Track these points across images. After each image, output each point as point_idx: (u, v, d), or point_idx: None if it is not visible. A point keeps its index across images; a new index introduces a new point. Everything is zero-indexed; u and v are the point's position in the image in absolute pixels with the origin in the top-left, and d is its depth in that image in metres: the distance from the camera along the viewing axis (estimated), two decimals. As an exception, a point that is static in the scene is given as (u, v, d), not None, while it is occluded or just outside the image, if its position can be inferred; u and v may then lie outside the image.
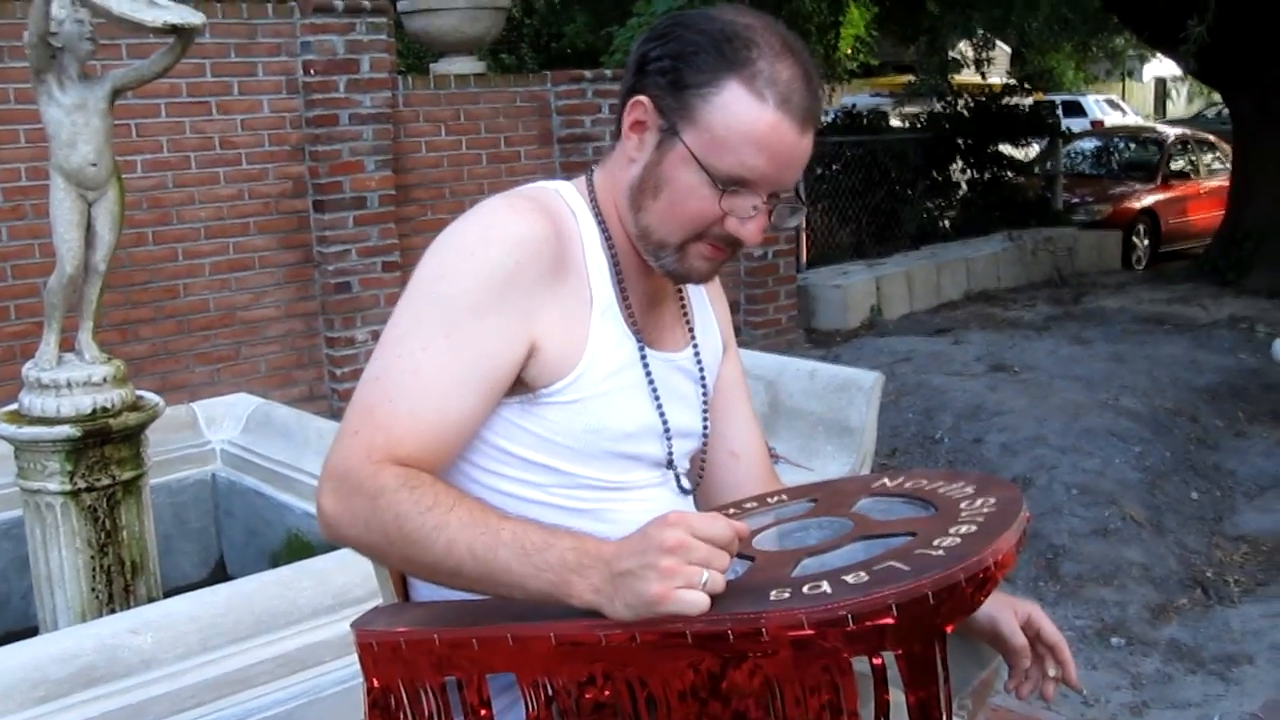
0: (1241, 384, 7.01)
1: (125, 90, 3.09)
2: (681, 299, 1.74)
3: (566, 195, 1.59)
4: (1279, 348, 5.87)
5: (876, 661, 1.19)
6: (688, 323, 1.73)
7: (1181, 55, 8.85)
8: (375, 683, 1.40)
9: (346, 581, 2.57)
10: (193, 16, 2.92)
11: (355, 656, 2.50)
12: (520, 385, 1.50)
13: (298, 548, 3.56)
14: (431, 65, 7.16)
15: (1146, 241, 13.17)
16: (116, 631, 2.32)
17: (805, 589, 1.23)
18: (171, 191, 5.64)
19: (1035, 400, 6.25)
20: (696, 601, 1.21)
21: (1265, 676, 3.87)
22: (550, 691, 1.30)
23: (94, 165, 3.00)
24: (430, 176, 6.45)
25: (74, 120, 2.97)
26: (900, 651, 1.19)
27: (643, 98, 1.52)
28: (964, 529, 1.33)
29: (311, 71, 5.92)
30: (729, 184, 1.48)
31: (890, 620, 1.17)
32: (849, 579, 1.23)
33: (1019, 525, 1.33)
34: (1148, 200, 13.30)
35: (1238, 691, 3.79)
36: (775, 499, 1.70)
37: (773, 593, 1.24)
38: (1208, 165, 14.27)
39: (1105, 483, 5.23)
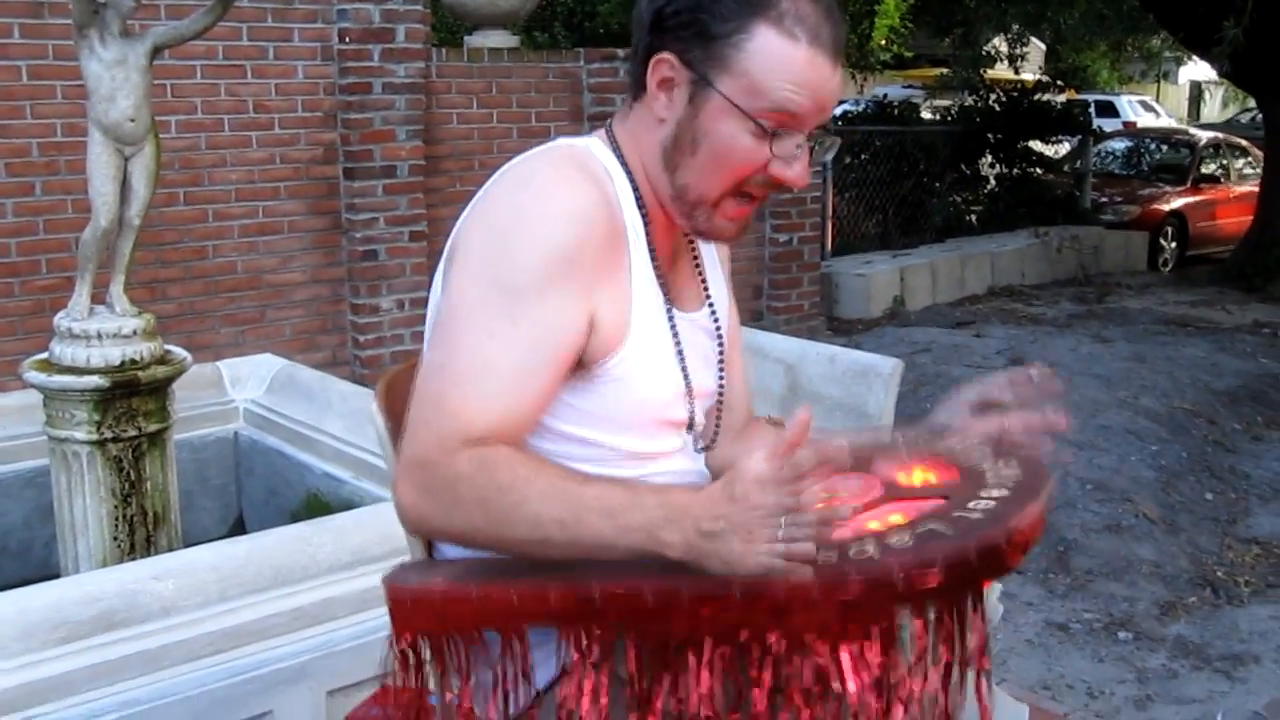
0: (1261, 388, 7.02)
1: (165, 48, 3.13)
2: (695, 255, 1.72)
3: (599, 153, 1.56)
4: (1300, 353, 5.87)
5: (919, 620, 1.27)
6: (703, 279, 1.72)
7: (1216, 58, 8.83)
8: (406, 636, 1.43)
9: (364, 540, 2.61)
10: (234, -23, 2.96)
11: (371, 612, 2.57)
12: (576, 362, 1.48)
13: (317, 507, 3.60)
14: (465, 38, 7.17)
15: (1174, 244, 13.14)
16: (139, 577, 2.37)
17: (851, 552, 1.27)
18: (204, 153, 5.69)
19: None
20: (777, 563, 1.24)
21: (1271, 676, 3.89)
22: (586, 642, 1.34)
23: (132, 120, 3.05)
24: (461, 148, 6.47)
25: (114, 75, 3.01)
26: (943, 610, 1.26)
27: (667, 54, 1.49)
28: (996, 492, 1.40)
29: (346, 39, 5.95)
30: (775, 127, 1.46)
31: (937, 581, 1.23)
32: (892, 541, 1.28)
33: (1048, 491, 1.40)
34: (1177, 203, 13.26)
35: (1242, 690, 3.81)
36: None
37: (820, 555, 1.26)
38: (1239, 170, 14.21)
39: (1120, 480, 5.25)
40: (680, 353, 1.60)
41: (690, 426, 1.66)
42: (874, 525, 1.37)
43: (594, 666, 1.34)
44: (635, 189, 1.55)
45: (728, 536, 1.25)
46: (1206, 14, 8.64)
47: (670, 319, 1.59)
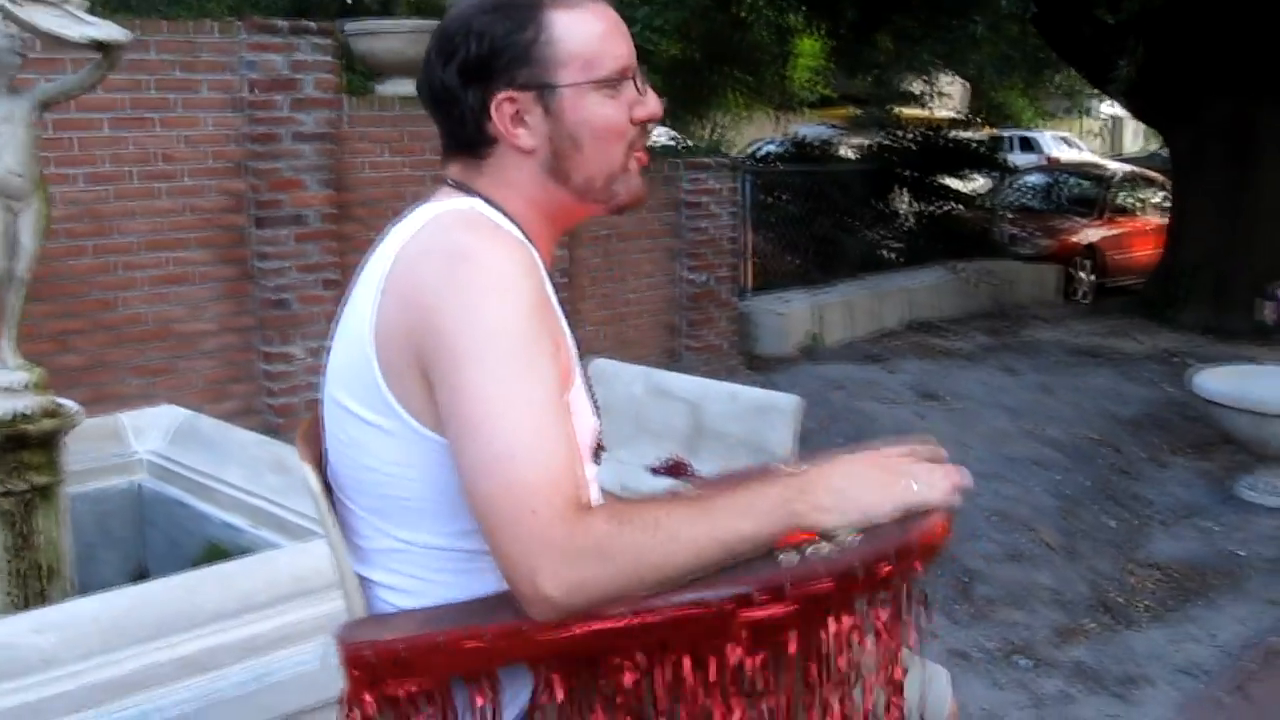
0: (1166, 416, 7.19)
1: (51, 103, 3.16)
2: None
3: (486, 210, 1.56)
4: (1197, 380, 6.03)
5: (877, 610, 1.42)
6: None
7: (1112, 94, 9.05)
8: (367, 698, 1.41)
9: (251, 587, 2.63)
10: (118, 33, 2.99)
11: (257, 660, 2.58)
12: None
13: (216, 557, 3.60)
14: (376, 86, 7.22)
15: (1091, 276, 13.40)
16: (19, 630, 2.37)
17: (808, 553, 1.40)
18: (112, 205, 5.68)
19: (961, 428, 6.38)
20: (925, 496, 1.45)
21: (1163, 698, 3.99)
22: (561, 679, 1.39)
23: (19, 176, 3.06)
24: (371, 195, 6.51)
25: (0, 131, 3.03)
26: (893, 593, 1.42)
27: (501, 93, 1.54)
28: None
29: (254, 90, 5.98)
30: (619, 81, 1.57)
31: (890, 567, 1.38)
32: (808, 552, 1.41)
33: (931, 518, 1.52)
34: (1091, 235, 13.56)
35: (1136, 713, 3.91)
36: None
37: (780, 557, 1.39)
38: (1152, 202, 14.54)
39: (1022, 509, 5.36)
40: (588, 381, 1.67)
41: (598, 452, 1.70)
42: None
43: (569, 699, 1.38)
44: (526, 236, 1.58)
45: (862, 485, 1.44)
46: (1110, 51, 8.87)
47: (579, 348, 1.64)
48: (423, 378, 1.43)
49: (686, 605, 1.35)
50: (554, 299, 1.56)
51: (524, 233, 1.58)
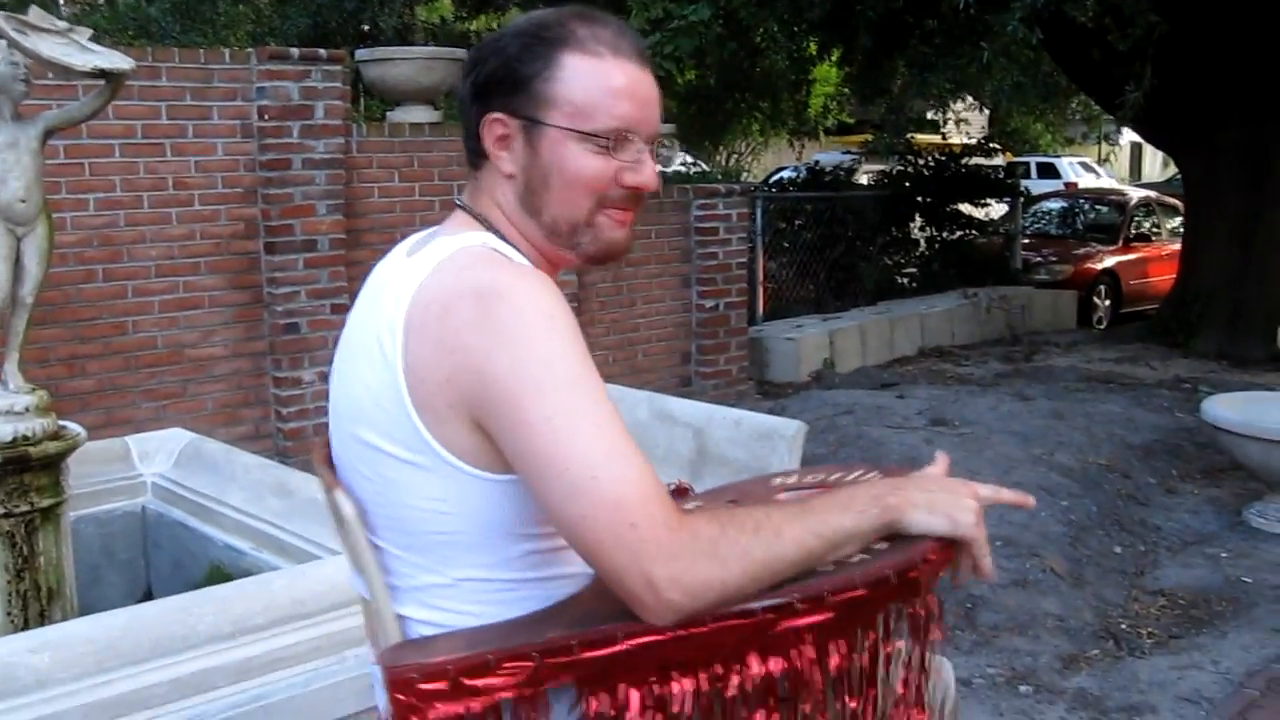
0: (1176, 442, 7.16)
1: (56, 130, 3.20)
2: None
3: (498, 245, 1.58)
4: (1207, 407, 6.01)
5: (912, 610, 1.51)
6: None
7: (1120, 120, 9.05)
8: (415, 717, 1.40)
9: (247, 609, 2.66)
10: (122, 62, 3.04)
11: (251, 682, 2.60)
12: None
13: (218, 579, 3.63)
14: (388, 114, 7.28)
15: (1108, 302, 13.39)
16: (15, 650, 2.40)
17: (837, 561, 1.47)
18: (123, 230, 5.74)
19: (970, 454, 6.37)
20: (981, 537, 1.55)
21: (1166, 726, 3.97)
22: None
23: (23, 201, 3.11)
24: (382, 221, 6.56)
25: (5, 158, 3.08)
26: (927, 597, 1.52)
27: (494, 114, 1.59)
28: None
29: (266, 116, 6.04)
30: (612, 139, 1.56)
31: (918, 574, 1.46)
32: (862, 555, 1.49)
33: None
34: (1109, 261, 13.55)
35: (1138, 740, 3.89)
36: (692, 505, 1.82)
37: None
38: (1170, 228, 14.52)
39: (1029, 535, 5.34)
40: None
41: None
42: None
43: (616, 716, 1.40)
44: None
45: (945, 495, 1.54)
46: (1121, 76, 8.88)
47: None
48: (467, 421, 1.44)
49: (731, 616, 1.37)
50: None
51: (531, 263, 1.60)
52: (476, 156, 1.65)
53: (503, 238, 1.61)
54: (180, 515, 3.92)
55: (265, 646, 2.62)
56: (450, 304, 1.45)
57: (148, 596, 4.14)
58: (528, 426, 1.38)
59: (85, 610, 3.45)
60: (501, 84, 1.58)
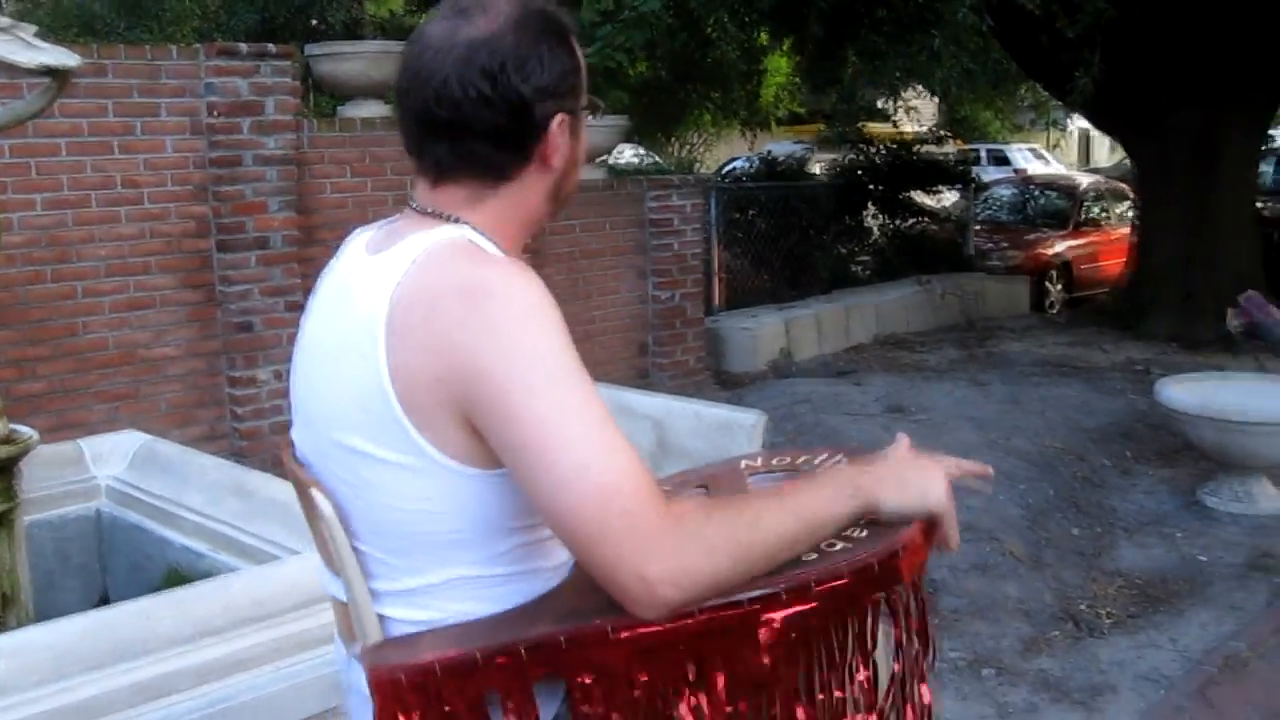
0: (1130, 425, 7.23)
1: (2, 130, 3.14)
2: None
3: (477, 240, 1.54)
4: (1161, 389, 6.07)
5: (894, 598, 1.52)
6: None
7: (1070, 106, 9.10)
8: (401, 717, 1.39)
9: (207, 612, 2.62)
10: (68, 58, 2.99)
11: (212, 685, 2.58)
12: None
13: (176, 582, 3.59)
14: (339, 108, 7.22)
15: (1060, 287, 13.49)
16: (-31, 659, 2.36)
17: (823, 547, 1.48)
18: (71, 230, 5.66)
19: (927, 440, 6.32)
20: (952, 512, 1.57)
21: (1127, 705, 4.00)
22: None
23: (-30, 203, 3.06)
24: (335, 217, 6.50)
25: (-50, 158, 3.03)
26: (907, 584, 1.53)
27: (562, 114, 1.56)
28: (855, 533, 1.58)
29: (215, 113, 5.97)
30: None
31: (899, 561, 1.46)
32: (842, 543, 1.50)
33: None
34: (1060, 247, 13.65)
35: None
36: (666, 487, 1.81)
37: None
38: (1119, 213, 14.65)
39: (988, 520, 5.38)
40: None
41: None
42: None
43: (604, 710, 1.39)
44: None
45: (914, 472, 1.57)
46: (1069, 63, 8.92)
47: None
48: (457, 419, 1.43)
49: (718, 608, 1.37)
50: None
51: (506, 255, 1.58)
52: (507, 166, 1.56)
53: (479, 231, 1.56)
54: (136, 518, 3.86)
55: (226, 649, 2.58)
56: (436, 303, 1.43)
57: (104, 601, 4.08)
58: (518, 421, 1.38)
59: (41, 617, 3.39)
60: (564, 82, 1.56)
